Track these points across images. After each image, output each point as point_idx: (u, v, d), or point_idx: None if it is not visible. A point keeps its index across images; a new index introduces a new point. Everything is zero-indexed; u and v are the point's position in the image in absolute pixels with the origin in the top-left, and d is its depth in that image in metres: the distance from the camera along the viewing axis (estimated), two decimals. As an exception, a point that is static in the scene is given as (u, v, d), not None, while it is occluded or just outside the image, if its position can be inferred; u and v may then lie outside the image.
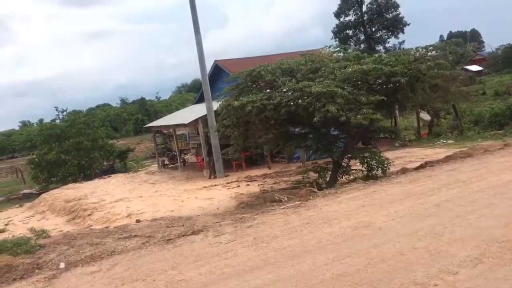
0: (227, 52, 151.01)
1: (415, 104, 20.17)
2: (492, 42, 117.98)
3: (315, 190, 12.53)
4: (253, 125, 12.99)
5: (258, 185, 16.86)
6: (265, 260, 6.11)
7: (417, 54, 12.53)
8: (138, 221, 11.65)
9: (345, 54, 15.25)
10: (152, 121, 40.00)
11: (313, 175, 14.15)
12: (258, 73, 12.98)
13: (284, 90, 12.56)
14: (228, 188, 17.21)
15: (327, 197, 9.79)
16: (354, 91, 11.80)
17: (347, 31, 60.67)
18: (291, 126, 13.87)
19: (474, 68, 61.01)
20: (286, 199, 11.31)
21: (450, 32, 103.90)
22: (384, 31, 60.33)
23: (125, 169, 34.35)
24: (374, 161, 13.56)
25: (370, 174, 13.67)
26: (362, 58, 12.94)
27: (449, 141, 21.51)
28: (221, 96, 14.51)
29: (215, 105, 17.57)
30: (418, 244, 5.98)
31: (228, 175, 20.64)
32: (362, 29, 60.01)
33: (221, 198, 15.18)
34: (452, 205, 7.72)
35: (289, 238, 6.97)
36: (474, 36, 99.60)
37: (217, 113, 17.69)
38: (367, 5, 59.83)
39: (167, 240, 7.84)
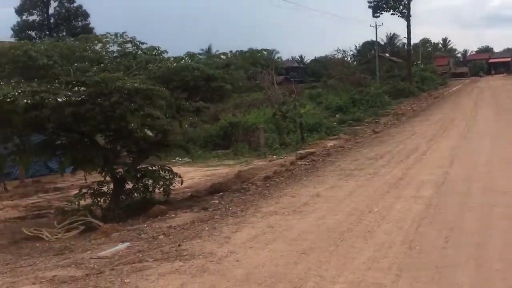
0: None
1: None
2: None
3: (98, 222, 9.42)
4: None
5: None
6: None
7: (224, 59, 10.97)
8: None
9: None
10: None
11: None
12: (25, 54, 8.88)
13: (65, 82, 8.93)
14: None
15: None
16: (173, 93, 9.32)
17: (30, 32, 53.30)
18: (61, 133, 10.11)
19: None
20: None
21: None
22: (73, 39, 55.82)
23: None
24: (157, 180, 11.34)
25: (146, 196, 11.38)
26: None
27: (185, 159, 20.64)
28: None
29: None
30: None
31: None
32: (48, 32, 53.78)
33: None
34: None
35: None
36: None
37: None
38: (55, 8, 54.24)
39: None
